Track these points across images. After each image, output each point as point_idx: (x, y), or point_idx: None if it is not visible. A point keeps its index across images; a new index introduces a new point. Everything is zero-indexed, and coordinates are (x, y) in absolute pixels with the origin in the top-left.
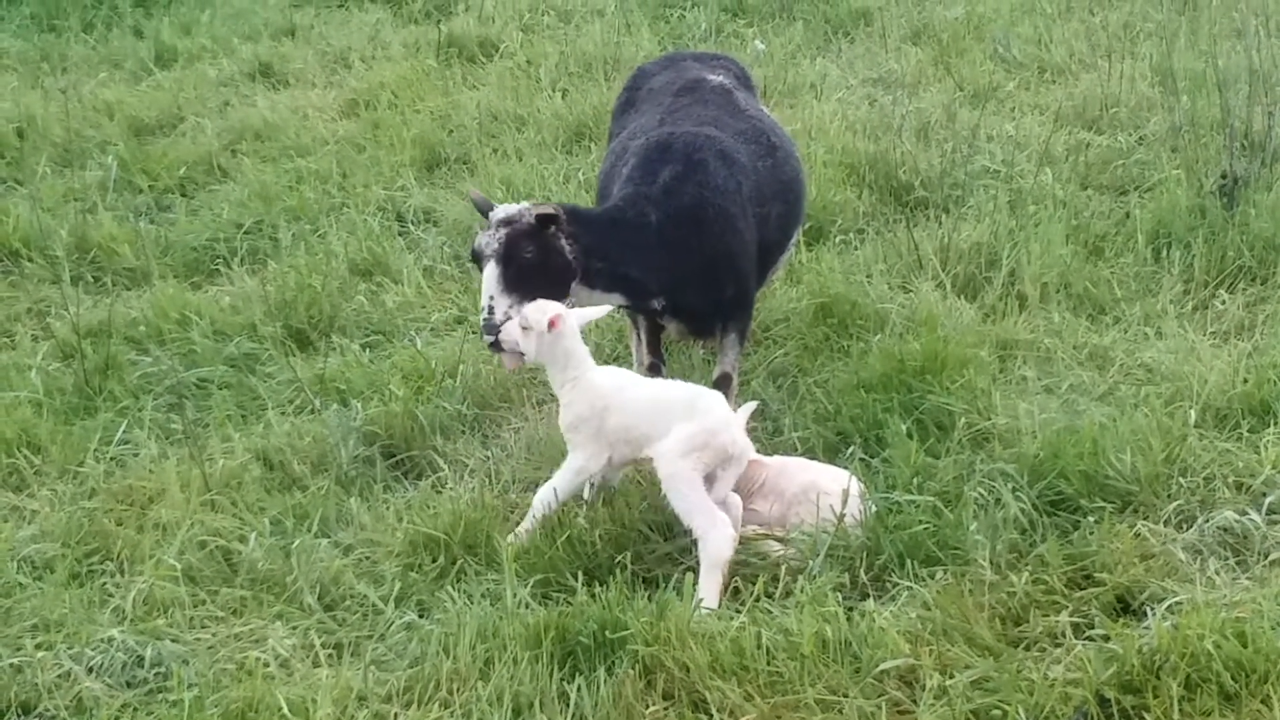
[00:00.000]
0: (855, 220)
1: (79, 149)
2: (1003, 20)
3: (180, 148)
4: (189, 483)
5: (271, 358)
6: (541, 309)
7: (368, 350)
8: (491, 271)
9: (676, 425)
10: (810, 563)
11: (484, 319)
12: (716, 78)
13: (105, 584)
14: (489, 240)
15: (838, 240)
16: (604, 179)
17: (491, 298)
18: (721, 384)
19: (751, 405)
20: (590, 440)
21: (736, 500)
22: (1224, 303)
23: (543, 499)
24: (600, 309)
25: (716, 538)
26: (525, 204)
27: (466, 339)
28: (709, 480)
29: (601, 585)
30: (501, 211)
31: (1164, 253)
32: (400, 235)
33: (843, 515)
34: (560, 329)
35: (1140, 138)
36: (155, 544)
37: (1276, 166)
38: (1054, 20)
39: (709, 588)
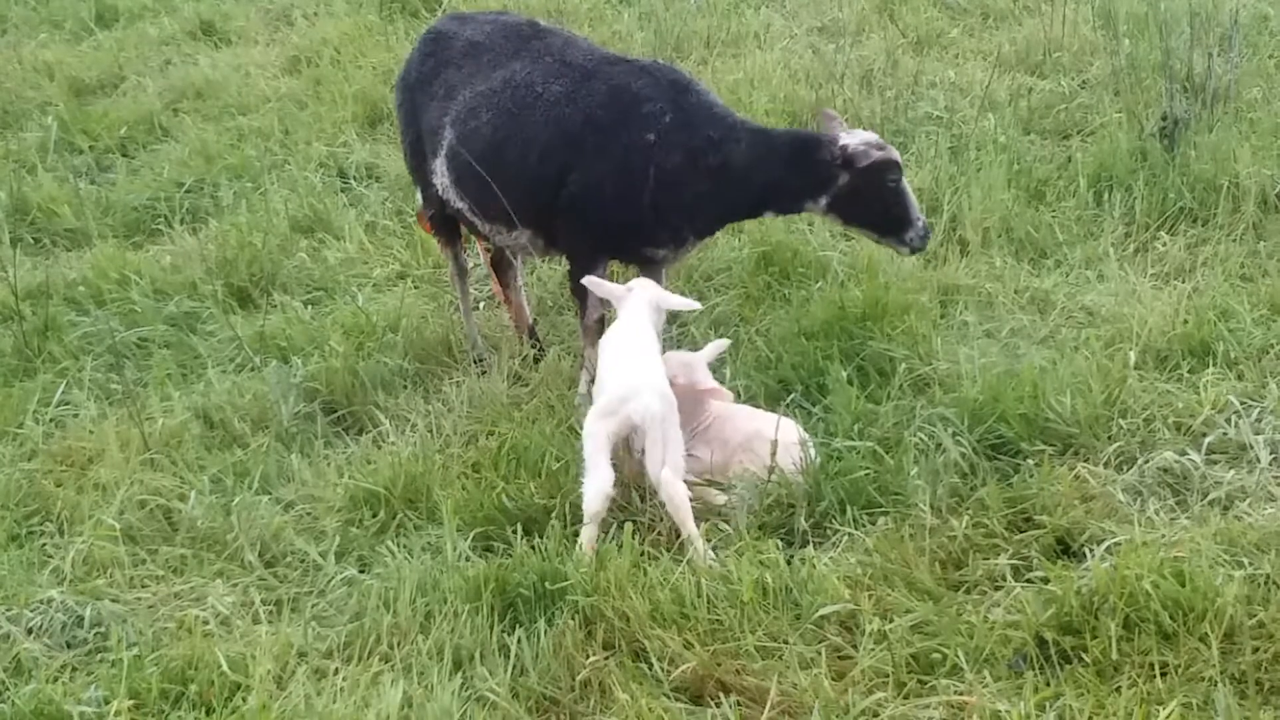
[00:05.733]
0: None
1: (18, 110)
2: None
3: (121, 107)
4: (129, 442)
5: (212, 316)
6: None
7: (309, 307)
8: None
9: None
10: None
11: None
12: (543, 22)
13: (45, 545)
14: None
15: None
16: (500, 127)
17: None
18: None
19: (723, 343)
20: None
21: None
22: (1164, 244)
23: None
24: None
25: (586, 491)
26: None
27: (408, 294)
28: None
29: (541, 537)
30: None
31: (1105, 196)
32: (342, 191)
33: (772, 470)
34: (626, 298)
35: (1082, 82)
36: (95, 504)
37: (1216, 108)
38: None
39: (582, 535)
